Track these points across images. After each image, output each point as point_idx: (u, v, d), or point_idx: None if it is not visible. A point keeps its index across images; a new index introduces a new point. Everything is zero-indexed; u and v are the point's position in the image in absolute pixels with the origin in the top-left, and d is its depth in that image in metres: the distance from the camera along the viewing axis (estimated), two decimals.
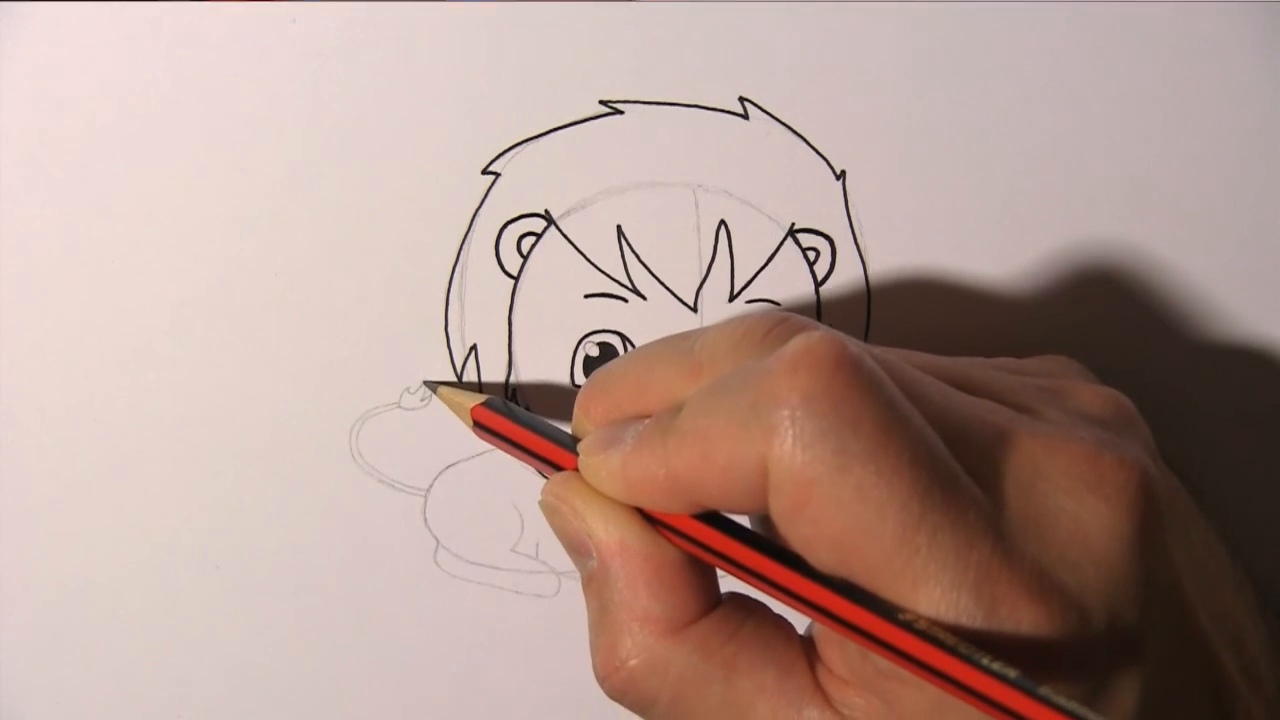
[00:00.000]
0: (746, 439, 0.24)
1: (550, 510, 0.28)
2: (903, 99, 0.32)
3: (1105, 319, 0.33)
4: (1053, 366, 0.31)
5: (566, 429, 0.29)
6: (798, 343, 0.24)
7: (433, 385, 0.32)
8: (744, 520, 0.27)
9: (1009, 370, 0.29)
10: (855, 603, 0.24)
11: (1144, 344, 0.34)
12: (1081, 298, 0.33)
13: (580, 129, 0.31)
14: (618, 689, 0.27)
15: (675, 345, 0.28)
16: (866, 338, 0.33)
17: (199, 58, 0.30)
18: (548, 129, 0.31)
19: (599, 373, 0.29)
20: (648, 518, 0.27)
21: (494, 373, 0.33)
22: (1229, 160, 0.33)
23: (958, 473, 0.24)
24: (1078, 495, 0.25)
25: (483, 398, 0.31)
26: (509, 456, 0.33)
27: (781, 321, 0.26)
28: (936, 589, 0.23)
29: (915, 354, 0.28)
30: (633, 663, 0.27)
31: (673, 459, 0.25)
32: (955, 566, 0.23)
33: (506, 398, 0.33)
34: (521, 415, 0.30)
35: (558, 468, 0.29)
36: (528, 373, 0.33)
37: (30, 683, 0.34)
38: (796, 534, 0.24)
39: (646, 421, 0.27)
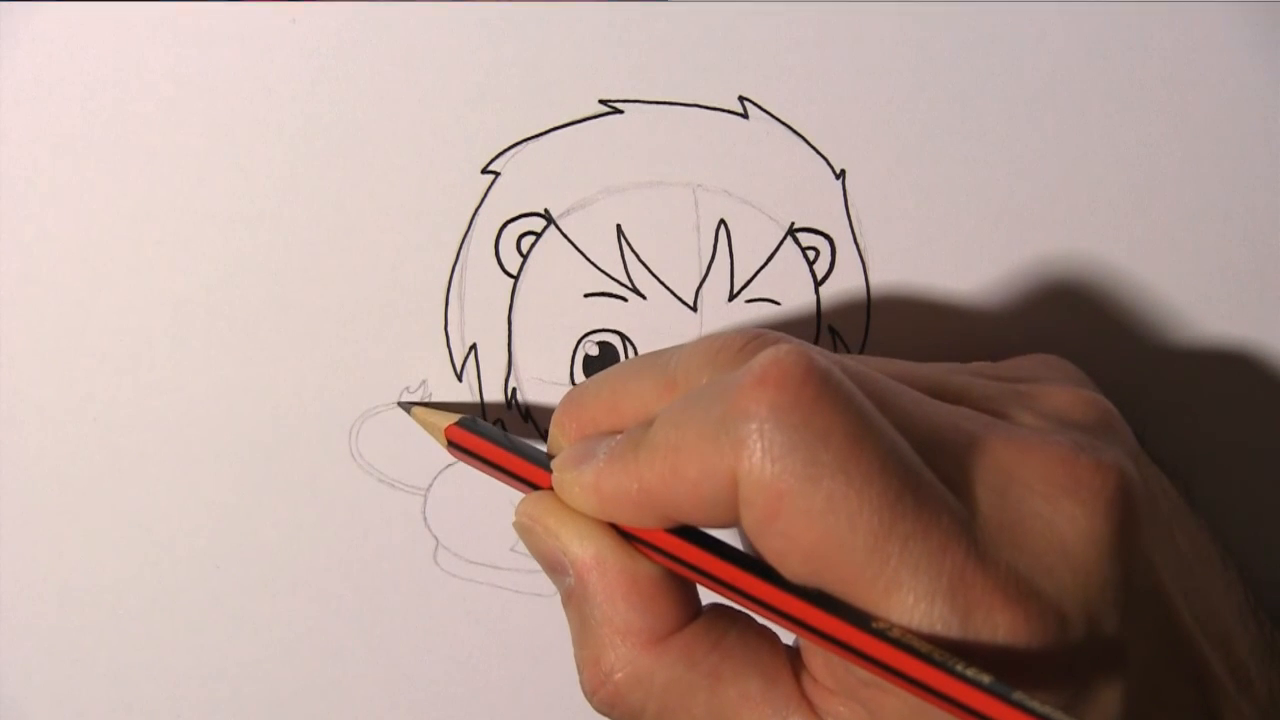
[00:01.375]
0: (716, 452, 0.24)
1: (524, 530, 0.28)
2: (903, 99, 0.32)
3: (1104, 318, 0.33)
4: (1034, 367, 0.31)
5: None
6: (766, 356, 0.24)
7: (406, 406, 0.32)
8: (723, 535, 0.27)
9: (985, 375, 0.29)
10: (829, 612, 0.24)
11: (1142, 343, 0.34)
12: (1080, 297, 0.33)
13: (580, 128, 0.31)
14: (605, 703, 0.27)
15: (651, 362, 0.28)
16: (866, 338, 0.33)
17: (199, 58, 0.30)
18: (547, 128, 0.31)
19: (574, 390, 0.29)
20: (623, 533, 0.27)
21: (494, 372, 0.33)
22: (1229, 160, 0.33)
23: (930, 480, 0.24)
24: (1053, 500, 0.25)
25: (456, 416, 0.31)
26: None
27: (756, 337, 0.26)
28: (910, 596, 0.23)
29: (890, 362, 0.28)
30: (618, 676, 0.27)
31: (644, 473, 0.25)
32: (928, 573, 0.23)
33: (506, 398, 0.33)
34: (495, 434, 0.30)
35: (534, 486, 0.29)
36: (527, 372, 0.33)
37: (30, 683, 0.34)
38: (769, 546, 0.25)
39: (619, 436, 0.27)
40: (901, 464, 0.24)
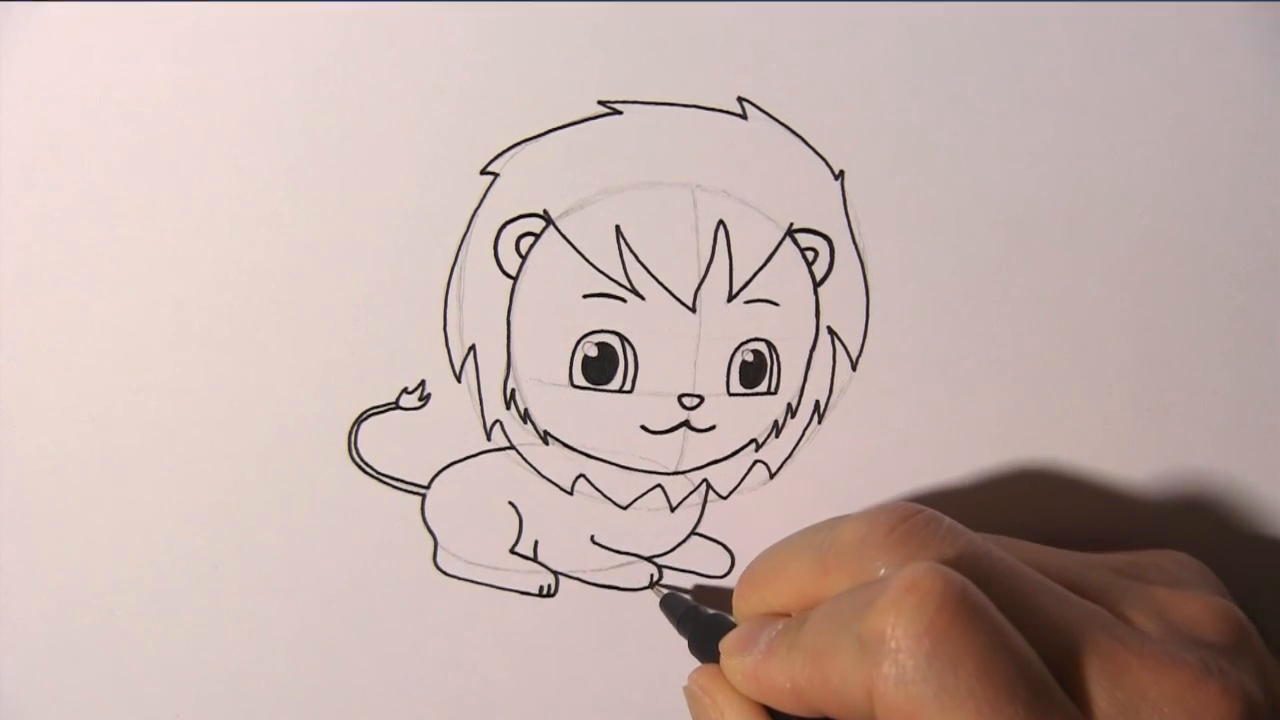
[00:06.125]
0: (855, 670, 0.26)
1: (693, 698, 0.31)
2: (902, 99, 0.32)
3: (1103, 317, 0.33)
4: (1169, 566, 0.32)
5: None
6: (904, 578, 0.26)
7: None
8: None
9: (1127, 574, 0.30)
10: None
11: (1141, 341, 0.34)
12: (1079, 296, 0.33)
13: (579, 129, 0.31)
14: None
15: (809, 541, 0.30)
16: (865, 338, 0.33)
17: (199, 58, 0.31)
18: (546, 129, 0.31)
19: (749, 565, 0.32)
20: (777, 714, 0.29)
21: (492, 373, 0.33)
22: (1229, 160, 0.32)
23: (1060, 700, 0.25)
24: None
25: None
26: (506, 457, 0.33)
27: (905, 519, 0.28)
28: None
29: (1035, 549, 0.30)
30: None
31: (795, 673, 0.28)
32: None
33: (505, 399, 0.33)
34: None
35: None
36: (526, 373, 0.33)
37: (30, 683, 0.34)
38: None
39: (779, 627, 0.29)
40: (1030, 687, 0.25)
